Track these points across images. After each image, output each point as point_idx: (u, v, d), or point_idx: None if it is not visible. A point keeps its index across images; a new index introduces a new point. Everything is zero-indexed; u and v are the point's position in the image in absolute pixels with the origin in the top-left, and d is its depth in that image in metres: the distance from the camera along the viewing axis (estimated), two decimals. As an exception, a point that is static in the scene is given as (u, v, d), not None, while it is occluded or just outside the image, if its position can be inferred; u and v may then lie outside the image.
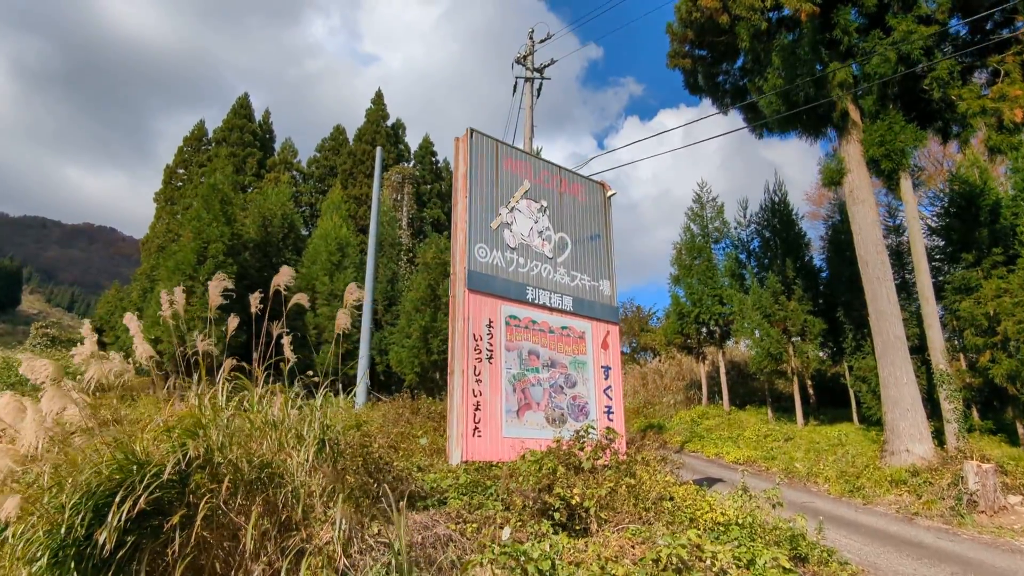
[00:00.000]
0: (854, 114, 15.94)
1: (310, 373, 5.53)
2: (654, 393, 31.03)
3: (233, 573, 4.19)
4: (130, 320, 4.59)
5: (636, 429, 21.98)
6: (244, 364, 5.12)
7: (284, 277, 4.79)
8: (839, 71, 14.94)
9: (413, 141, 60.00)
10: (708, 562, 4.56)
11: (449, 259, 14.31)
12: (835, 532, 9.66)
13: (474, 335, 8.46)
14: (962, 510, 10.97)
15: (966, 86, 14.88)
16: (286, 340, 4.74)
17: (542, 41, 17.23)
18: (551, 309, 9.66)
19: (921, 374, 15.79)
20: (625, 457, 7.25)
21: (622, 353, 42.34)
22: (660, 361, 34.79)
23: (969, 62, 15.66)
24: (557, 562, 4.26)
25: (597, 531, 5.62)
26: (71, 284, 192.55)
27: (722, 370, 24.78)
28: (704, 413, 23.99)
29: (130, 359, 4.86)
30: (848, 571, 6.67)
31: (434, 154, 50.30)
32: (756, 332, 21.13)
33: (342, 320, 4.97)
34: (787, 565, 4.87)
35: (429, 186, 46.75)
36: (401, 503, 4.20)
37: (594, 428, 6.71)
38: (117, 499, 3.83)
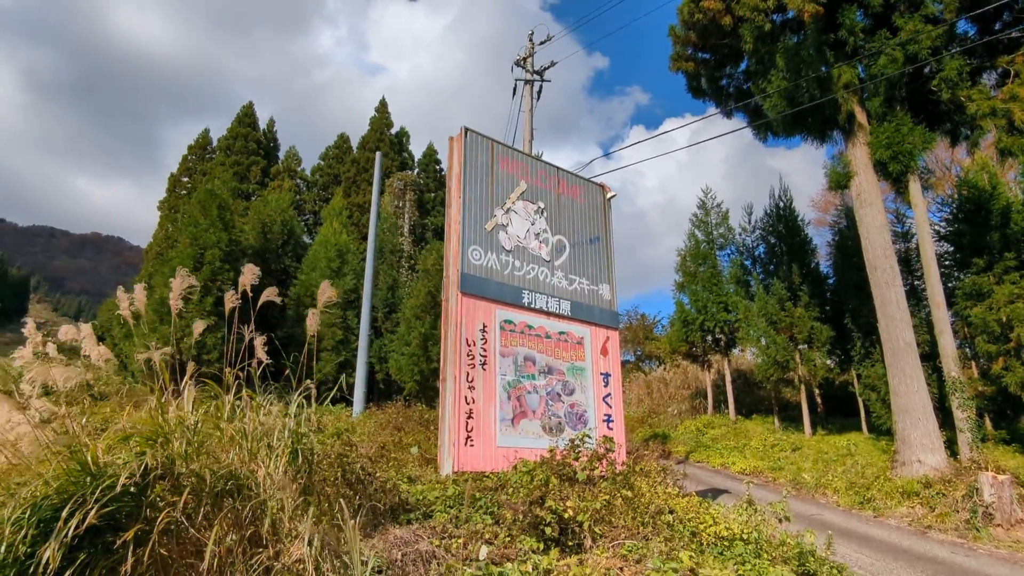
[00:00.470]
0: (860, 116, 15.62)
1: (308, 382, 5.22)
2: (659, 402, 30.64)
3: (193, 593, 3.88)
4: (86, 331, 4.30)
5: (640, 439, 21.59)
6: (239, 372, 4.81)
7: (249, 276, 4.49)
8: (845, 72, 14.64)
9: (417, 150, 60.01)
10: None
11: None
12: (845, 546, 9.26)
13: (467, 340, 8.14)
14: (978, 523, 10.55)
15: (975, 87, 14.56)
16: (258, 342, 4.44)
17: (542, 43, 17.00)
18: (548, 314, 9.34)
19: (932, 382, 15.37)
20: (623, 468, 6.91)
21: (627, 362, 42.07)
22: (665, 370, 34.39)
23: (978, 63, 15.34)
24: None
25: (592, 547, 5.28)
26: (79, 293, 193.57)
27: (728, 378, 24.36)
28: (710, 422, 23.57)
29: (128, 367, 4.59)
30: (860, 589, 6.29)
31: (438, 162, 50.20)
32: (762, 339, 20.73)
33: (312, 322, 4.67)
34: (794, 585, 4.52)
35: (432, 194, 46.59)
36: (360, 519, 3.88)
37: (590, 437, 6.36)
38: (64, 513, 3.53)
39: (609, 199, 11.01)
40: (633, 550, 4.99)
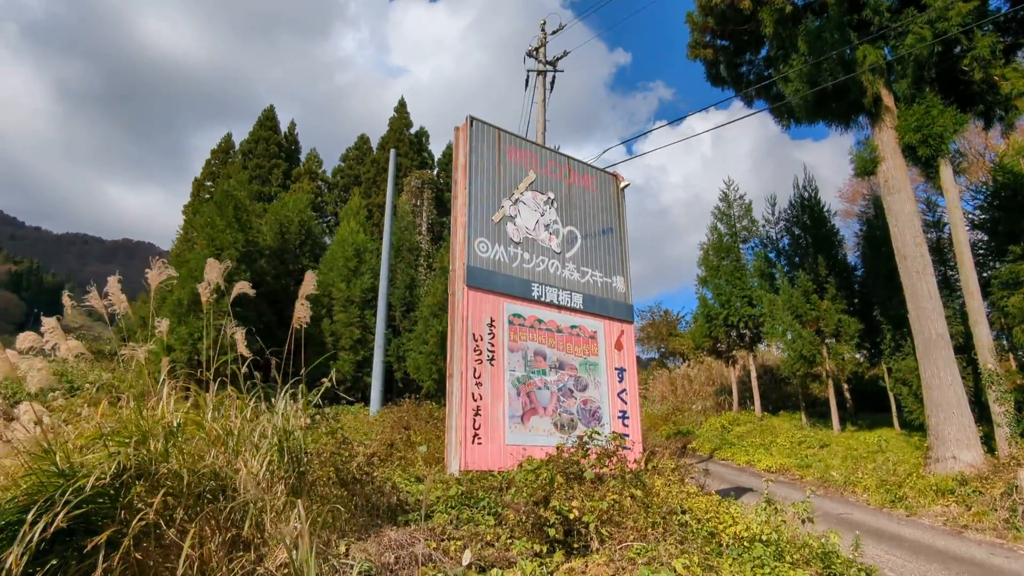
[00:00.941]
0: (887, 99, 15.00)
1: (324, 381, 5.02)
2: (683, 399, 30.18)
3: (170, 600, 3.68)
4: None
5: (664, 436, 21.19)
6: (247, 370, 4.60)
7: (214, 270, 4.28)
8: (870, 53, 14.04)
9: (438, 149, 60.02)
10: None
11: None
12: (875, 547, 8.82)
13: (473, 335, 7.89)
14: (1018, 522, 10.00)
15: (1009, 65, 13.91)
16: (239, 335, 4.22)
17: (554, 32, 16.63)
18: (559, 307, 9.04)
19: (967, 375, 14.72)
20: (635, 465, 6.59)
21: (651, 359, 41.44)
22: (689, 366, 33.85)
23: (1012, 40, 14.65)
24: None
25: (599, 548, 4.99)
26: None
27: (753, 374, 23.80)
28: (735, 419, 23.06)
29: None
30: (890, 594, 5.90)
31: (457, 160, 50.07)
32: (787, 334, 20.15)
33: (301, 313, 4.44)
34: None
35: (451, 192, 46.49)
36: (355, 520, 3.65)
37: (599, 433, 6.06)
38: (30, 516, 3.36)
39: (623, 188, 10.67)
40: (641, 553, 4.70)
